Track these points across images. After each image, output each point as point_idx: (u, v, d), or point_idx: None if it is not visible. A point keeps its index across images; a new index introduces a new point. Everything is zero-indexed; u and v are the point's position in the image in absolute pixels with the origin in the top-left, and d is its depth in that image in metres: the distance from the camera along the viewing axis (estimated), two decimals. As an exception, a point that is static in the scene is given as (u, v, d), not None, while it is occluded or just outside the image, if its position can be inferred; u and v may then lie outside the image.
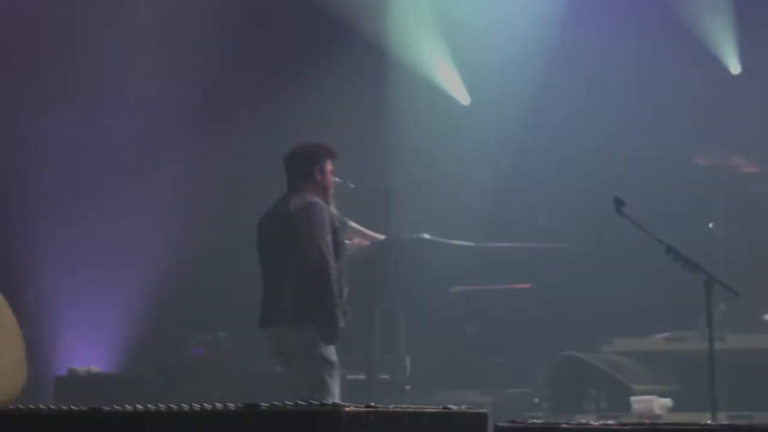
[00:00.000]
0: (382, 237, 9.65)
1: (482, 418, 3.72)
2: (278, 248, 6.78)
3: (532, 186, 10.80)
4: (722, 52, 10.74)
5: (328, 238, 6.68)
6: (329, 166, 6.97)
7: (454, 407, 3.72)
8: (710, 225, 9.70)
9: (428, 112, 11.08)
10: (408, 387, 9.37)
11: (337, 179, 9.80)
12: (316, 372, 6.59)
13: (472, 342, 9.60)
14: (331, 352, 6.68)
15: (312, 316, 6.61)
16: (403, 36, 11.23)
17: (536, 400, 8.82)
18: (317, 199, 6.80)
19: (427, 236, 9.80)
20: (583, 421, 7.41)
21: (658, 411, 8.32)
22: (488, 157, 10.79)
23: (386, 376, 9.46)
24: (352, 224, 9.69)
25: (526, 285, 9.60)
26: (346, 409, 3.17)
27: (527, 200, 10.74)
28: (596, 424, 3.45)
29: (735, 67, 10.75)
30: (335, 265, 6.70)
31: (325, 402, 3.36)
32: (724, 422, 6.50)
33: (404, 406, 3.66)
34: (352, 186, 9.93)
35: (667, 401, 8.47)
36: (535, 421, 4.40)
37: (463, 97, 11.39)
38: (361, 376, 9.41)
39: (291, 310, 6.64)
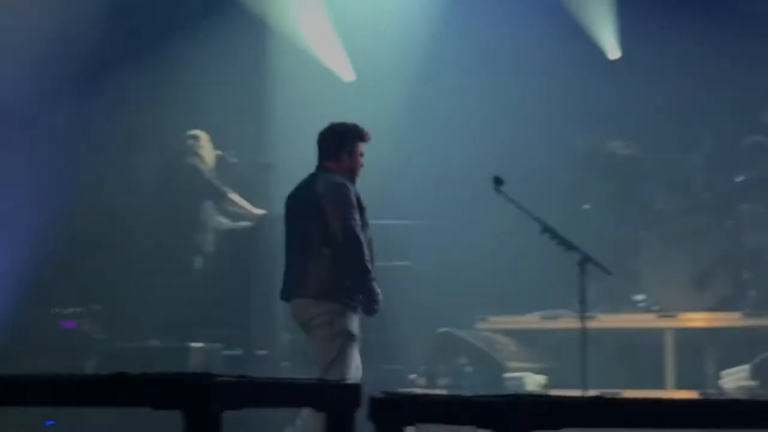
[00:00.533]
0: (262, 212, 9.60)
1: (357, 389, 3.72)
2: (306, 225, 6.86)
3: (413, 163, 10.83)
4: (602, 36, 10.92)
5: (357, 217, 6.80)
6: (360, 148, 7.11)
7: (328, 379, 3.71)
8: (586, 206, 9.87)
9: (312, 87, 11.03)
10: (286, 362, 9.34)
11: (218, 152, 9.76)
12: (340, 343, 6.68)
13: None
14: (354, 325, 6.81)
15: (341, 293, 6.71)
16: (287, 10, 11.15)
17: (412, 376, 8.87)
18: (345, 180, 6.92)
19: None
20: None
21: (531, 387, 8.46)
22: (372, 134, 10.77)
23: (264, 352, 9.42)
24: (233, 197, 9.63)
25: (406, 262, 9.64)
26: (218, 379, 3.13)
27: (409, 177, 10.77)
28: (469, 395, 3.48)
29: (614, 52, 10.94)
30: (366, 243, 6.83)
31: (198, 373, 3.30)
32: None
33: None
34: (234, 160, 9.88)
35: (541, 378, 8.61)
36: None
37: (347, 74, 11.37)
38: (238, 351, 9.36)
39: (318, 286, 6.71)
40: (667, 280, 9.11)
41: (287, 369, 9.17)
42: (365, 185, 10.47)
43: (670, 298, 9.11)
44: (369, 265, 6.83)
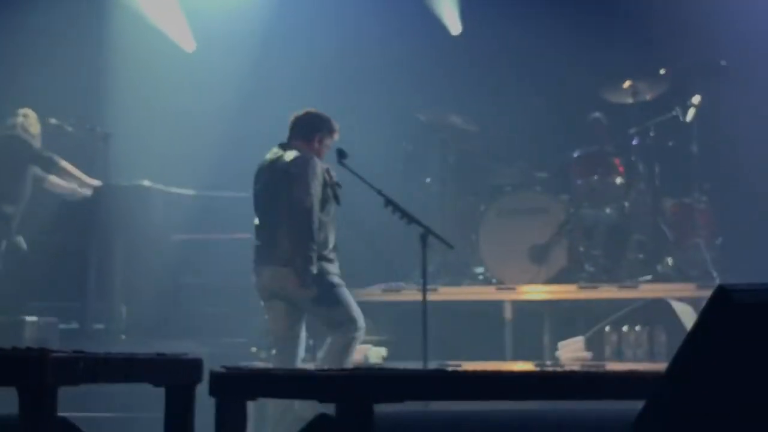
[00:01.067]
0: (97, 183, 9.38)
1: (197, 363, 3.67)
2: (275, 194, 7.32)
3: (256, 135, 10.74)
4: (444, 12, 11.02)
5: (318, 189, 7.23)
6: (328, 140, 7.54)
7: (168, 354, 3.64)
8: (427, 180, 9.95)
9: (151, 56, 10.83)
10: (123, 336, 9.20)
11: (53, 120, 9.48)
12: (331, 294, 7.35)
13: (192, 291, 9.50)
14: (334, 274, 7.44)
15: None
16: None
17: (253, 349, 8.82)
18: (313, 155, 7.36)
19: (146, 183, 9.62)
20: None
21: (372, 359, 8.51)
22: (212, 105, 10.68)
23: (101, 326, 9.25)
24: (64, 164, 9.34)
25: (246, 234, 9.57)
26: (53, 354, 3.04)
27: (251, 149, 10.67)
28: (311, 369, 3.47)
29: (456, 27, 11.06)
30: (319, 214, 7.24)
31: (32, 348, 3.20)
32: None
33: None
34: (70, 129, 9.62)
35: (381, 350, 8.67)
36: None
37: (188, 44, 11.20)
38: (75, 325, 9.17)
39: (286, 253, 7.20)
40: (505, 253, 9.27)
41: (125, 342, 9.03)
42: (208, 156, 10.42)
43: (509, 271, 9.27)
44: (314, 235, 7.18)
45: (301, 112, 7.65)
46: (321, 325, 7.57)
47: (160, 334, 9.10)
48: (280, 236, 7.27)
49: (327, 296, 7.34)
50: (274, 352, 7.65)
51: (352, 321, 7.44)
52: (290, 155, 7.38)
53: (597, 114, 10.02)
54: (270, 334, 7.70)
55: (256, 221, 7.51)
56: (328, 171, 7.43)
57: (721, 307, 2.76)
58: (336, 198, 7.48)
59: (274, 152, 7.57)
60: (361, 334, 7.55)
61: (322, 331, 7.66)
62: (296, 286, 7.23)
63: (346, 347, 7.42)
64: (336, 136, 7.62)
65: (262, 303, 7.61)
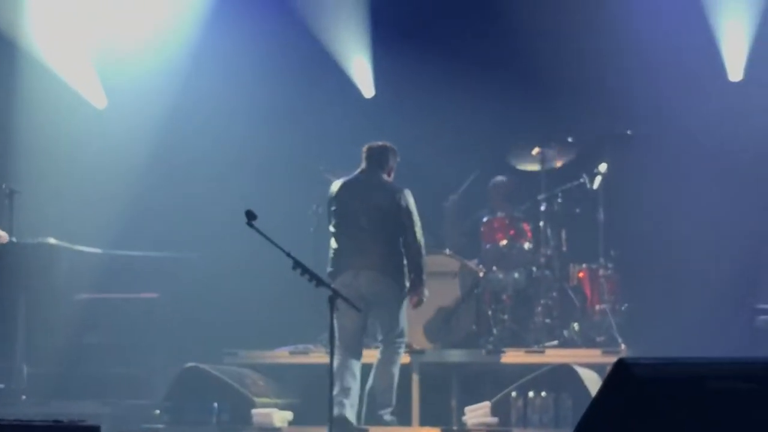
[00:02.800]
0: (3, 239, 9.22)
1: (94, 431, 3.60)
2: (376, 208, 8.26)
3: (164, 194, 10.67)
4: (358, 76, 11.11)
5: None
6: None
7: (64, 420, 3.57)
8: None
9: (62, 112, 10.72)
10: (24, 397, 9.00)
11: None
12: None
13: (95, 351, 9.35)
14: None
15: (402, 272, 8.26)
16: (39, 31, 10.82)
17: (157, 411, 8.68)
18: None
19: (52, 241, 9.47)
20: None
21: (278, 423, 8.42)
22: (122, 163, 10.59)
23: (1, 386, 9.05)
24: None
25: (153, 294, 9.47)
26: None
27: (158, 208, 10.60)
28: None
29: (369, 90, 11.15)
30: None
31: None
32: None
33: (15, 417, 3.47)
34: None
35: (288, 413, 8.59)
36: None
37: (99, 101, 11.11)
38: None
39: (384, 262, 8.22)
40: (414, 316, 9.26)
41: (25, 403, 8.84)
42: (112, 214, 10.32)
43: (417, 334, 9.27)
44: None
45: (382, 144, 8.47)
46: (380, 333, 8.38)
47: (62, 395, 8.94)
48: (383, 249, 8.22)
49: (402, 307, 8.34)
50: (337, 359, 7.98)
51: (404, 333, 8.39)
52: (386, 181, 8.40)
53: (502, 178, 10.12)
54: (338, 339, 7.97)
55: (347, 230, 8.26)
56: None
57: (621, 380, 2.80)
58: None
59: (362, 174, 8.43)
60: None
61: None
62: (391, 294, 8.22)
63: (398, 359, 8.34)
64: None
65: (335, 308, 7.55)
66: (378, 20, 10.93)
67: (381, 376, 8.27)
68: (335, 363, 7.74)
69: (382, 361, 8.30)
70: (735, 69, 10.38)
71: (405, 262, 8.25)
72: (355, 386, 8.14)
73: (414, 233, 8.27)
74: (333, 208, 8.39)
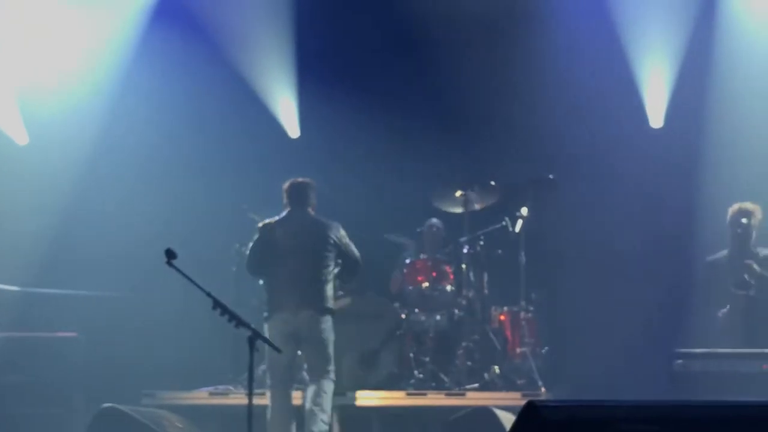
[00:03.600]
0: None
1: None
2: (310, 248, 8.38)
3: (85, 232, 10.56)
4: (283, 116, 11.14)
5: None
6: None
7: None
8: (260, 282, 9.89)
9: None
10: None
11: None
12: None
13: (12, 391, 9.17)
14: None
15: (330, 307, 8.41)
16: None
17: (75, 452, 8.55)
18: None
19: (-33, 278, 9.33)
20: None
21: (196, 465, 8.34)
22: (43, 199, 10.48)
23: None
24: None
25: (72, 333, 9.34)
26: None
27: (79, 246, 10.48)
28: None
29: (294, 131, 11.18)
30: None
31: None
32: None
33: None
34: None
35: (206, 455, 8.50)
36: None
37: (21, 137, 10.99)
38: None
39: (321, 301, 8.32)
40: (336, 357, 9.23)
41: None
42: (30, 252, 10.18)
43: (339, 376, 9.22)
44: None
45: (299, 180, 8.59)
46: (312, 368, 8.41)
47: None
48: (317, 285, 8.31)
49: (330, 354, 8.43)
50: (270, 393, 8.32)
51: (333, 366, 8.45)
52: (314, 217, 8.53)
53: (437, 221, 10.18)
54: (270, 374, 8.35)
55: (282, 269, 8.33)
56: None
57: (531, 422, 2.81)
58: None
59: (292, 216, 8.49)
60: None
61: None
62: (328, 330, 8.33)
63: (331, 390, 8.39)
64: None
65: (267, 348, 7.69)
66: (304, 61, 10.97)
67: (319, 406, 8.28)
68: (270, 404, 8.15)
69: (317, 393, 8.30)
70: (656, 115, 10.57)
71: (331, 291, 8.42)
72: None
73: (354, 258, 8.56)
74: (263, 249, 8.38)
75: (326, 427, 8.31)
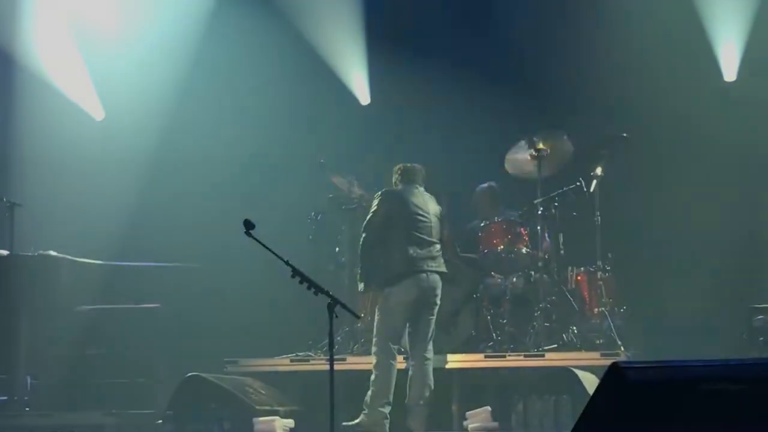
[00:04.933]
0: (3, 252, 9.27)
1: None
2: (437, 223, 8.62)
3: (165, 205, 10.72)
4: (355, 85, 11.18)
5: None
6: None
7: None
8: (336, 249, 9.99)
9: (60, 125, 10.77)
10: (27, 408, 9.04)
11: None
12: None
13: (98, 362, 9.38)
14: None
15: None
16: (38, 44, 10.87)
17: (159, 421, 8.72)
18: None
19: (53, 253, 9.51)
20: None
21: (279, 431, 8.45)
22: (122, 174, 10.66)
23: (4, 398, 9.09)
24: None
25: (155, 304, 9.51)
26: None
27: (160, 219, 10.65)
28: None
29: (365, 98, 11.21)
30: None
31: None
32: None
33: (19, 429, 3.52)
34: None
35: (290, 421, 8.62)
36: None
37: (97, 112, 11.16)
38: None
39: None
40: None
41: (29, 415, 8.88)
42: (112, 225, 10.37)
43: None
44: None
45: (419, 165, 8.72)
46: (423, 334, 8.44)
47: (66, 406, 8.97)
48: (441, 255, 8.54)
49: None
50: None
51: None
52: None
53: (484, 186, 10.15)
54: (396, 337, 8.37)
55: (418, 235, 8.42)
56: None
57: (614, 383, 2.84)
58: None
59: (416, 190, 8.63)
60: None
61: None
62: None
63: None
64: None
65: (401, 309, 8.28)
66: (372, 29, 10.99)
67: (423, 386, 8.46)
68: (379, 364, 8.23)
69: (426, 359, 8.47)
70: (729, 69, 10.45)
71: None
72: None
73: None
74: (398, 213, 8.49)
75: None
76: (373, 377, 8.33)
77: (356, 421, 8.32)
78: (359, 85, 11.18)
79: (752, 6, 10.30)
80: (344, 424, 8.30)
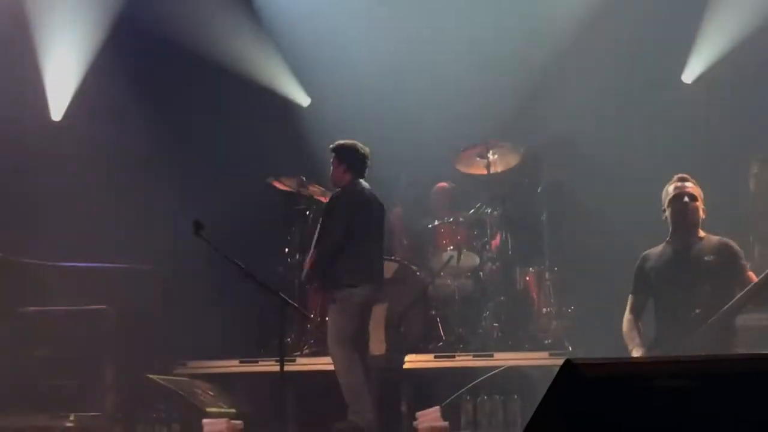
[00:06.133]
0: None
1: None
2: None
3: (116, 202, 10.65)
4: (290, 89, 11.24)
5: None
6: None
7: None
8: (286, 250, 9.97)
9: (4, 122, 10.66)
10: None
11: None
12: None
13: (45, 364, 9.27)
14: None
15: None
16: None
17: (108, 424, 8.65)
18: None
19: (-5, 254, 9.40)
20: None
21: (229, 432, 8.41)
22: (67, 172, 10.58)
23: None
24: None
25: (102, 306, 9.42)
26: None
27: (109, 216, 10.57)
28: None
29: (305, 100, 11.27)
30: None
31: None
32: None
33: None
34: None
35: (239, 423, 8.58)
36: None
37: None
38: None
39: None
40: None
41: None
42: (60, 225, 10.27)
43: (369, 341, 9.28)
44: None
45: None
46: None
47: (12, 409, 8.86)
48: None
49: None
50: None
51: None
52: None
53: (444, 184, 10.20)
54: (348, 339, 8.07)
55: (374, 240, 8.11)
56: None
57: (568, 380, 2.85)
58: None
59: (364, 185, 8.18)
60: None
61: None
62: None
63: None
64: None
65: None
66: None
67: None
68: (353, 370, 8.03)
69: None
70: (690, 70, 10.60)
71: None
72: None
73: None
74: (359, 218, 8.16)
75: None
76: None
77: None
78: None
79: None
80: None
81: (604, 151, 10.35)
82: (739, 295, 6.53)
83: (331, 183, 8.29)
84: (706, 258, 6.76)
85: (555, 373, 2.79)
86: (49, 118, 11.05)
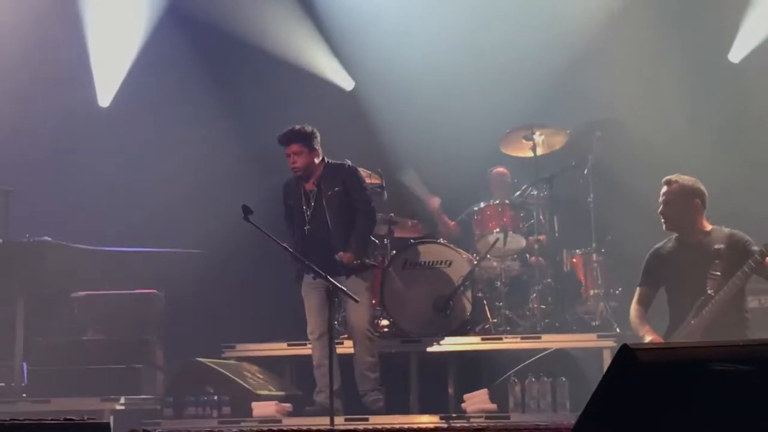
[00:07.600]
0: (-1, 239, 9.28)
1: (104, 428, 3.65)
2: None
3: (165, 188, 10.71)
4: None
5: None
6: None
7: (75, 418, 3.63)
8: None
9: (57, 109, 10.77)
10: (24, 395, 9.04)
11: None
12: None
13: (95, 347, 9.37)
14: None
15: None
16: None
17: (158, 407, 8.74)
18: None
19: (48, 239, 9.49)
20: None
21: (278, 415, 8.48)
22: (118, 159, 10.67)
23: (1, 384, 9.09)
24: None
25: (153, 290, 9.51)
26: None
27: (161, 203, 10.64)
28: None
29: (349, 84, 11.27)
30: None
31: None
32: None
33: (20, 417, 3.52)
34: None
35: (288, 405, 8.64)
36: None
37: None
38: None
39: None
40: (409, 305, 9.32)
41: (26, 402, 8.88)
42: (113, 211, 10.35)
43: (413, 323, 9.31)
44: None
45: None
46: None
47: (62, 393, 8.96)
48: None
49: None
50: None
51: None
52: None
53: (499, 167, 10.21)
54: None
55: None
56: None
57: (625, 364, 2.85)
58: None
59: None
60: None
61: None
62: None
63: None
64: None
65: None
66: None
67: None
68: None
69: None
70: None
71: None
72: None
73: None
74: None
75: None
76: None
77: None
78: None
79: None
80: None
81: (650, 133, 10.28)
82: (738, 272, 6.60)
83: (300, 174, 8.28)
84: (716, 246, 6.81)
85: (603, 355, 2.80)
86: (97, 104, 11.14)
